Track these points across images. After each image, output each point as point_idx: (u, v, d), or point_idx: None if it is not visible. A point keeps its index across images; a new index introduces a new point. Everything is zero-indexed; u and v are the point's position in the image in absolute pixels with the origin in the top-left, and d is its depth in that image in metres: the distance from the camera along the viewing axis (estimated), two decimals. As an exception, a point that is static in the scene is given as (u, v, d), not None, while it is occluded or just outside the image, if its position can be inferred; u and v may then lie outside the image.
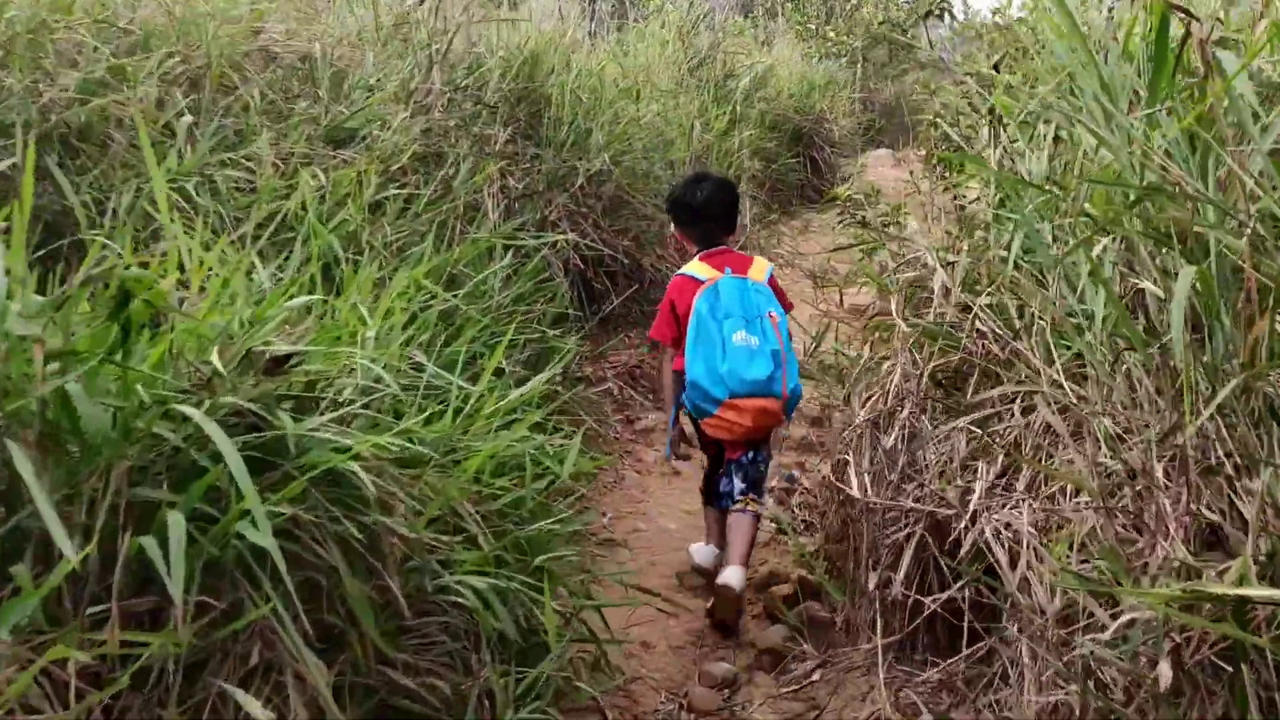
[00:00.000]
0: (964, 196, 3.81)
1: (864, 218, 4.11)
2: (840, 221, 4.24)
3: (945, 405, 2.40)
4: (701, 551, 3.12)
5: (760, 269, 3.00)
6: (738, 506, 2.89)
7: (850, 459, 2.53)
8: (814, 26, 13.17)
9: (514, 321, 2.91)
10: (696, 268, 2.97)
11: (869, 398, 2.61)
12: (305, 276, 2.16)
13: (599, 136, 4.66)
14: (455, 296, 2.68)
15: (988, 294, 2.40)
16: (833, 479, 2.71)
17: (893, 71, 13.75)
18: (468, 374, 2.32)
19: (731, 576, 2.73)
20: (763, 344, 2.82)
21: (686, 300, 2.91)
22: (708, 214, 3.06)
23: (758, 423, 2.83)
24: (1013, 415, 2.16)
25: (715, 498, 3.06)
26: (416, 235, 3.04)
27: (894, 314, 2.73)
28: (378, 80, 3.81)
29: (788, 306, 3.04)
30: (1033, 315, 2.21)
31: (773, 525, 3.40)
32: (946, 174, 3.97)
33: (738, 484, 2.93)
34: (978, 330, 2.35)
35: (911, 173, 4.27)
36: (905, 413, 2.41)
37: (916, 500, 2.23)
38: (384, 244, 2.75)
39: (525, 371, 2.77)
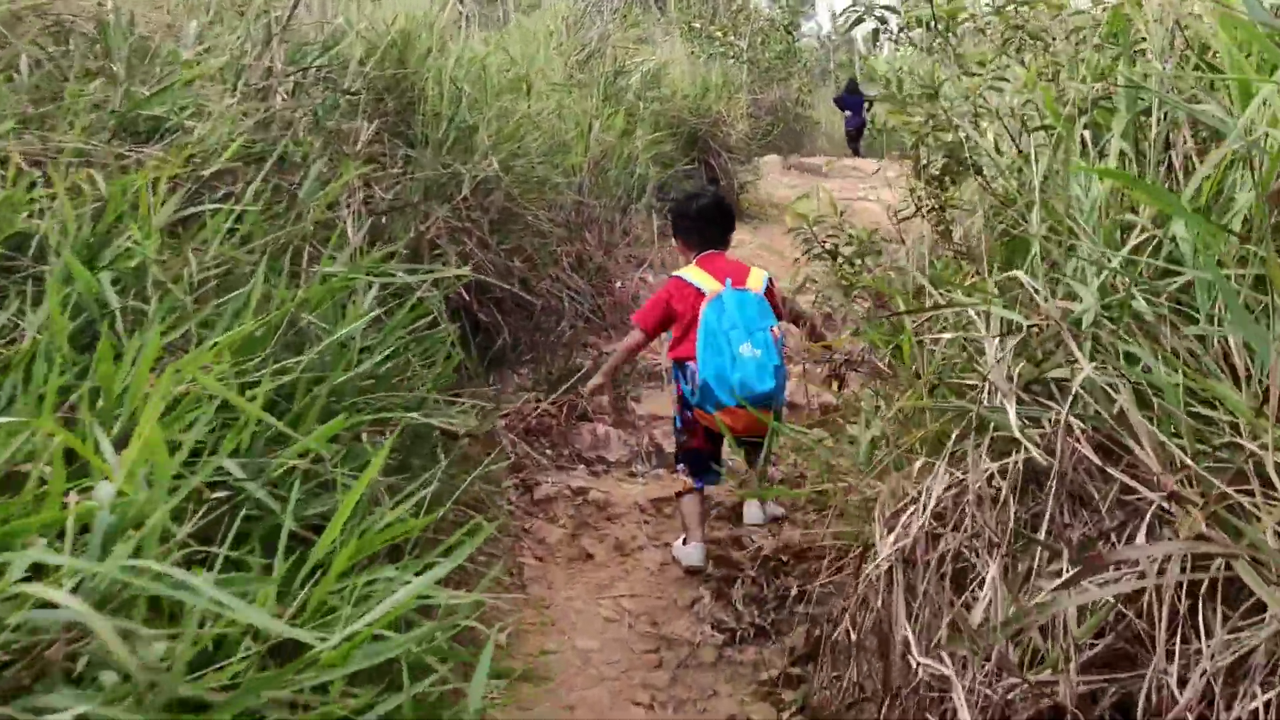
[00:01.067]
0: (958, 222, 3.15)
1: (834, 246, 3.41)
2: (806, 251, 3.50)
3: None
4: (691, 553, 3.14)
5: (758, 279, 3.14)
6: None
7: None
8: (699, 25, 12.58)
9: (383, 391, 2.08)
10: (696, 274, 3.12)
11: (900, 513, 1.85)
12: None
13: (485, 136, 3.84)
14: (299, 363, 1.83)
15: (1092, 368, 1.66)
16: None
17: (779, 74, 13.30)
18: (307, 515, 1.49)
19: (755, 513, 3.35)
20: (765, 357, 2.97)
21: (684, 304, 3.09)
22: (707, 225, 3.27)
23: (749, 429, 2.94)
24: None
25: (701, 470, 3.18)
26: (246, 268, 2.16)
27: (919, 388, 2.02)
28: (199, 56, 2.89)
29: (781, 314, 3.21)
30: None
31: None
32: (937, 192, 3.30)
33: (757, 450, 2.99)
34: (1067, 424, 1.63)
35: (912, 191, 3.55)
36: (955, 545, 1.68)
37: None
38: (189, 285, 1.88)
39: (397, 478, 1.94)
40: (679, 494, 3.23)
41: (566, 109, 4.92)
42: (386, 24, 4.05)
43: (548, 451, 3.61)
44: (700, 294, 3.06)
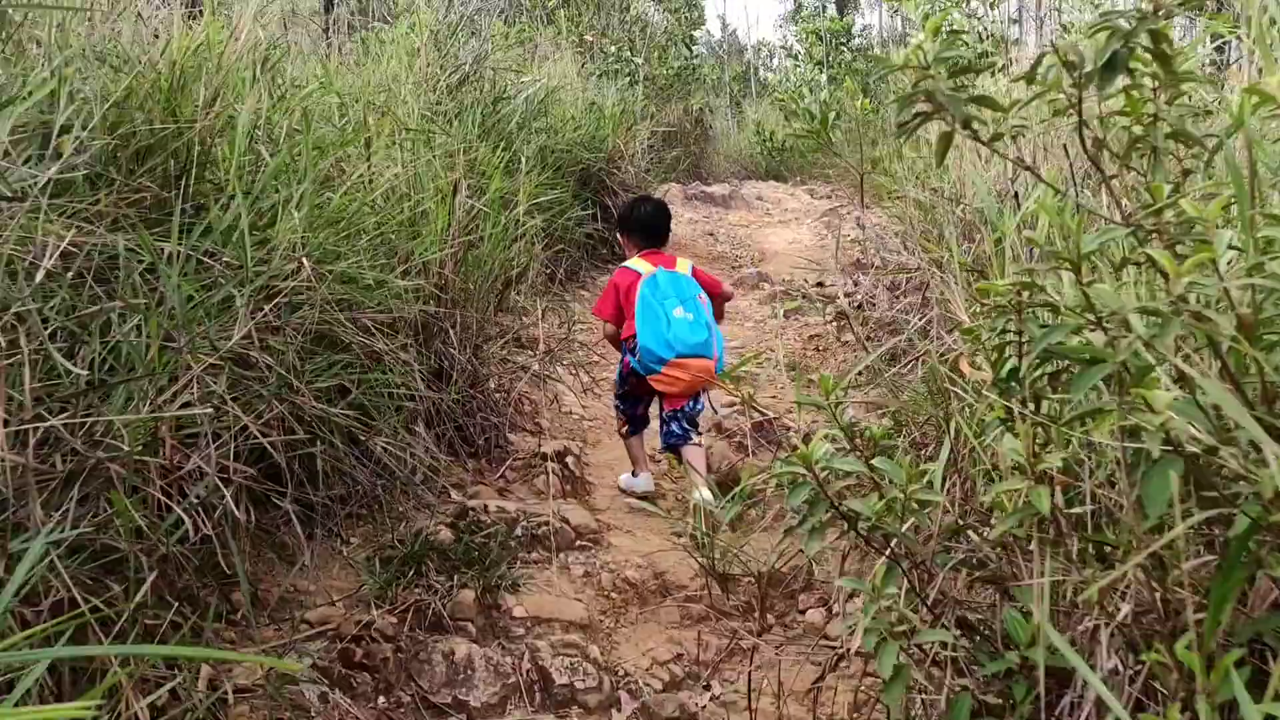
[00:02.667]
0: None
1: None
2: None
3: None
4: (637, 481, 3.79)
5: (684, 266, 3.86)
6: (694, 442, 3.76)
7: None
8: (590, 39, 11.47)
9: None
10: (637, 263, 3.82)
11: None
12: None
13: (291, 224, 2.65)
14: None
15: None
16: None
17: (678, 92, 12.29)
18: None
19: (707, 495, 3.46)
20: (698, 317, 3.65)
21: (628, 288, 3.73)
22: (648, 226, 3.98)
23: (695, 378, 3.61)
24: None
25: (640, 426, 3.85)
26: None
27: None
28: None
29: (715, 288, 3.93)
30: None
31: None
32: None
33: (686, 426, 3.76)
34: None
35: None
36: None
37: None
38: None
39: None
40: (623, 435, 3.89)
41: (424, 165, 3.74)
42: (156, 53, 2.83)
43: (378, 701, 2.44)
44: (638, 275, 3.73)
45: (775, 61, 25.86)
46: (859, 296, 6.78)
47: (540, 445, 3.78)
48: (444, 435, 3.56)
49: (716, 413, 4.21)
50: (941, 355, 2.55)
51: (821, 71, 17.50)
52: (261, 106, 2.89)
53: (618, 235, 4.14)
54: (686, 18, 13.56)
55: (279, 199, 2.75)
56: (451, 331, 3.61)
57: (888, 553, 1.51)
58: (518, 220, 4.28)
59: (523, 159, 5.08)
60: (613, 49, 10.90)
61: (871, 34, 22.71)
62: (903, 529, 1.53)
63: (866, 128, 8.37)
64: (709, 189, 10.82)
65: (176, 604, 2.11)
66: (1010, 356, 1.41)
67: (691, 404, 3.76)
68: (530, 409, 4.16)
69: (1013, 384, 1.36)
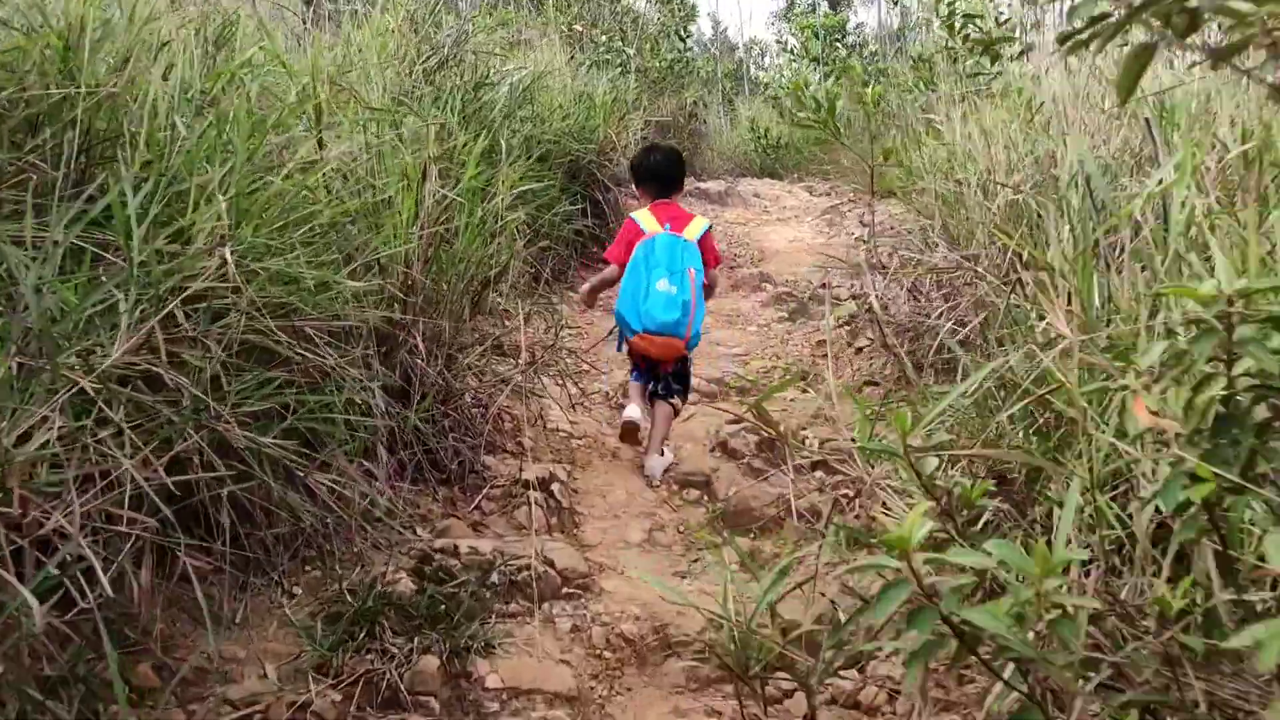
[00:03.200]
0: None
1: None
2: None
3: None
4: (631, 410, 3.72)
5: (696, 228, 3.88)
6: (670, 401, 3.81)
7: None
8: (579, 28, 10.98)
9: None
10: (644, 217, 3.91)
11: None
12: None
13: (216, 210, 2.16)
14: None
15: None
16: None
17: (670, 85, 11.80)
18: None
19: (653, 466, 3.69)
20: (679, 293, 3.66)
21: (632, 240, 3.84)
22: (659, 175, 4.04)
23: (662, 354, 3.71)
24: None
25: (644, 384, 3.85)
26: None
27: None
28: None
29: (714, 262, 3.99)
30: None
31: None
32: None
33: (668, 386, 3.81)
34: None
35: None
36: None
37: None
38: None
39: None
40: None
41: (389, 148, 3.24)
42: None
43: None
44: (641, 233, 3.79)
45: (767, 60, 25.41)
46: (871, 299, 6.32)
47: (522, 470, 3.29)
48: (411, 460, 3.07)
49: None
50: (1041, 382, 2.08)
51: (817, 68, 17.09)
52: (191, 76, 2.40)
53: (633, 185, 4.23)
54: (679, 10, 13.04)
55: (206, 181, 2.26)
56: (419, 340, 3.12)
57: (1024, 686, 1.03)
58: (498, 214, 3.79)
59: (503, 144, 4.59)
60: (603, 39, 10.41)
61: (865, 31, 22.31)
62: (1032, 641, 1.04)
63: (867, 121, 7.91)
64: (704, 185, 10.34)
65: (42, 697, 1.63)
66: (1209, 395, 0.93)
67: (675, 368, 3.82)
68: (511, 426, 3.68)
69: (1228, 437, 0.88)
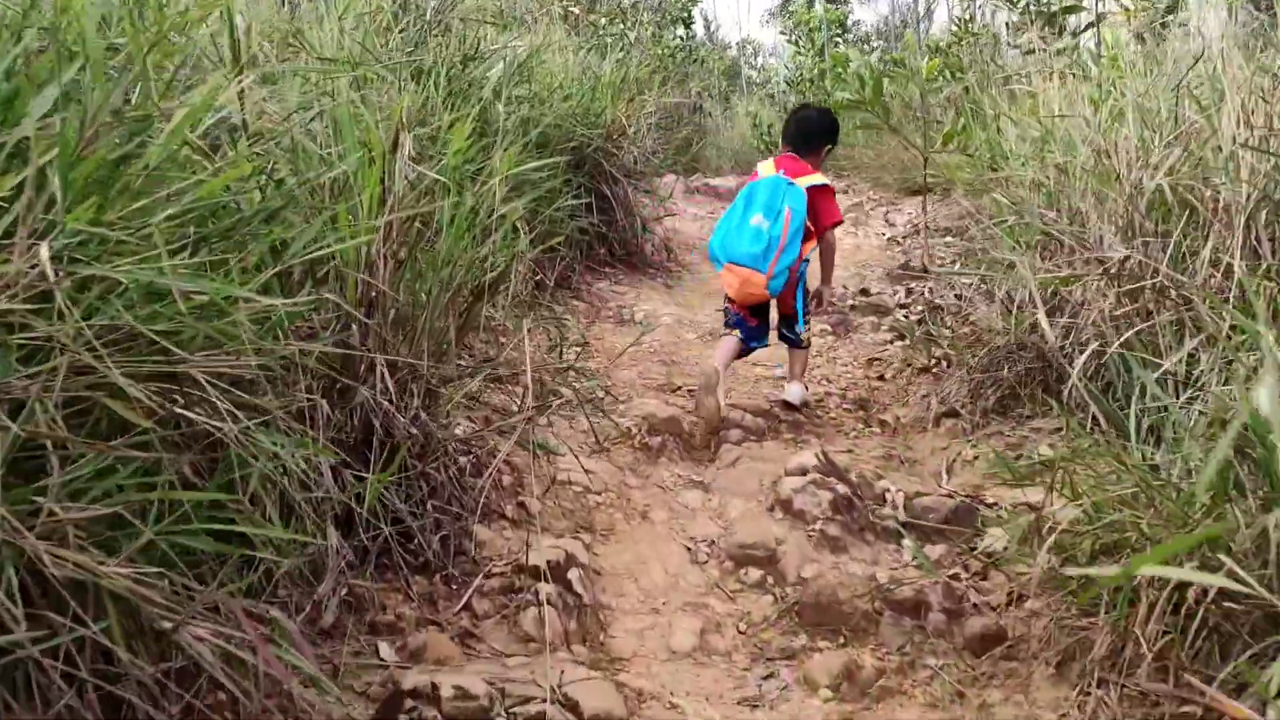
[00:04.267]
0: None
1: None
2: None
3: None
4: (707, 365, 3.64)
5: (806, 180, 3.72)
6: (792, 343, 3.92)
7: None
8: (576, 10, 10.12)
9: None
10: (765, 165, 3.87)
11: None
12: None
13: (54, 186, 1.29)
14: None
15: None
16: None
17: (675, 74, 10.94)
18: None
19: (794, 391, 3.86)
20: (771, 229, 3.58)
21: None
22: (798, 128, 3.95)
23: (743, 290, 3.64)
24: None
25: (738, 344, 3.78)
26: None
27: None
28: None
29: (829, 219, 3.82)
30: None
31: None
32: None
33: (758, 340, 3.86)
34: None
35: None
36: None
37: None
38: None
39: None
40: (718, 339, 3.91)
41: (346, 115, 2.37)
42: None
43: None
44: (754, 177, 3.83)
45: (760, 60, 24.70)
46: (919, 308, 5.47)
47: (528, 548, 2.42)
48: (374, 542, 2.20)
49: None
50: None
51: (821, 61, 16.36)
52: None
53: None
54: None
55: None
56: (387, 374, 2.24)
57: None
58: (493, 204, 2.92)
59: (502, 123, 3.73)
60: (604, 21, 9.56)
61: (861, 29, 21.58)
62: None
63: (922, 100, 7.06)
64: (713, 182, 9.48)
65: None
66: None
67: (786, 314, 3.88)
68: (512, 481, 2.80)
69: None
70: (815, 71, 16.44)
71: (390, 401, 2.24)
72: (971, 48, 11.58)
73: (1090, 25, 5.75)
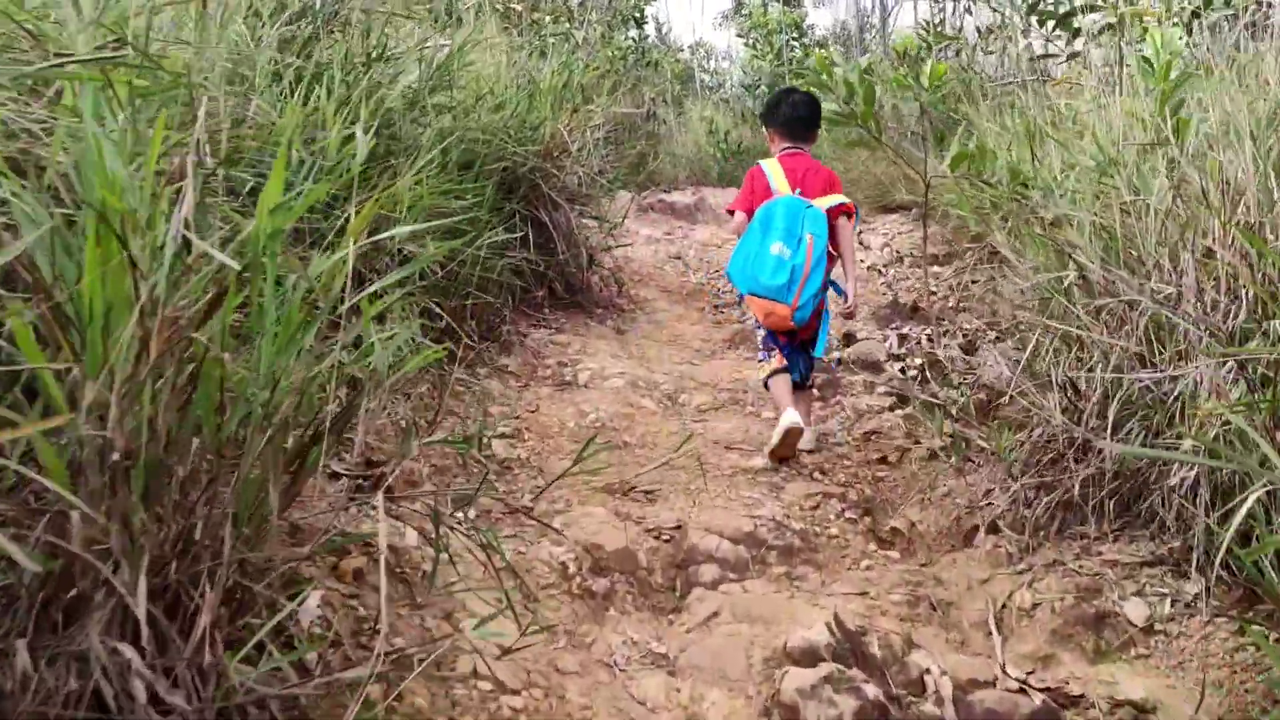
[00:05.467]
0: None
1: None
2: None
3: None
4: (786, 416, 3.36)
5: (826, 201, 3.50)
6: (806, 387, 3.69)
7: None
8: (517, 7, 9.16)
9: None
10: (774, 169, 3.60)
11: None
12: None
13: None
14: None
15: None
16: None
17: (625, 79, 10.02)
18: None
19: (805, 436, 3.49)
20: (792, 258, 3.35)
21: (759, 191, 3.57)
22: (790, 122, 3.69)
23: (769, 321, 3.45)
24: None
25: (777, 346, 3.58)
26: None
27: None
28: None
29: (842, 211, 3.53)
30: None
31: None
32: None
33: (804, 369, 3.64)
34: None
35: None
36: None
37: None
38: None
39: None
40: (765, 379, 3.58)
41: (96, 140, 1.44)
42: None
43: None
44: (769, 192, 3.54)
45: (712, 64, 24.00)
46: (916, 359, 4.61)
47: None
48: None
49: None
50: None
51: (779, 65, 15.68)
52: None
53: (764, 127, 3.94)
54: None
55: None
56: (139, 591, 1.30)
57: None
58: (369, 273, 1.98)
59: (413, 139, 2.80)
60: (548, 20, 8.62)
61: (816, 32, 20.94)
62: None
63: (921, 115, 6.18)
64: (669, 198, 8.58)
65: None
66: None
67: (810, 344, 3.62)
68: None
69: None
70: (774, 75, 15.72)
71: (141, 650, 1.30)
72: (946, 54, 10.83)
73: (1108, 27, 4.95)
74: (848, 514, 3.12)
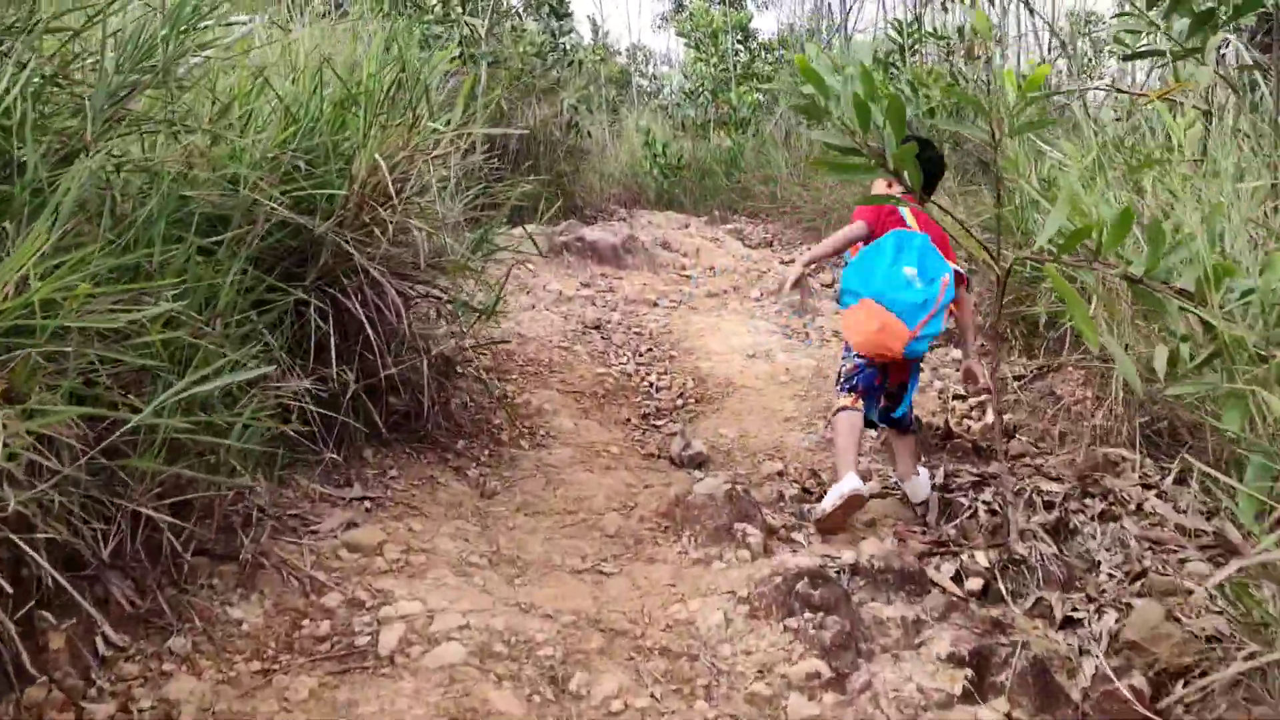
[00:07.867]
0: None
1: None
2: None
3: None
4: (853, 480, 2.97)
5: (950, 265, 3.11)
6: (902, 429, 3.25)
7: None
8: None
9: None
10: (905, 211, 3.16)
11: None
12: None
13: None
14: None
15: None
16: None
17: (541, 83, 8.10)
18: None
19: (920, 484, 3.19)
20: (924, 287, 2.98)
21: (887, 216, 3.15)
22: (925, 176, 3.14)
23: (875, 338, 2.95)
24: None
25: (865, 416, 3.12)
26: None
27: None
28: None
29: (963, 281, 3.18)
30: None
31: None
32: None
33: (905, 411, 3.21)
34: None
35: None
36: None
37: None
38: None
39: None
40: (834, 413, 3.14)
41: None
42: None
43: None
44: (901, 222, 3.14)
45: (651, 68, 22.42)
46: (983, 556, 2.79)
47: None
48: None
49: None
50: None
51: (725, 68, 14.08)
52: None
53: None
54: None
55: None
56: None
57: None
58: None
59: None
60: (434, 5, 6.68)
61: (761, 36, 19.43)
62: None
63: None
64: (589, 234, 6.63)
65: None
66: None
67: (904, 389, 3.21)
68: None
69: None
70: (717, 80, 14.05)
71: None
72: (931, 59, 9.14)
73: (1144, 55, 3.19)
74: None
